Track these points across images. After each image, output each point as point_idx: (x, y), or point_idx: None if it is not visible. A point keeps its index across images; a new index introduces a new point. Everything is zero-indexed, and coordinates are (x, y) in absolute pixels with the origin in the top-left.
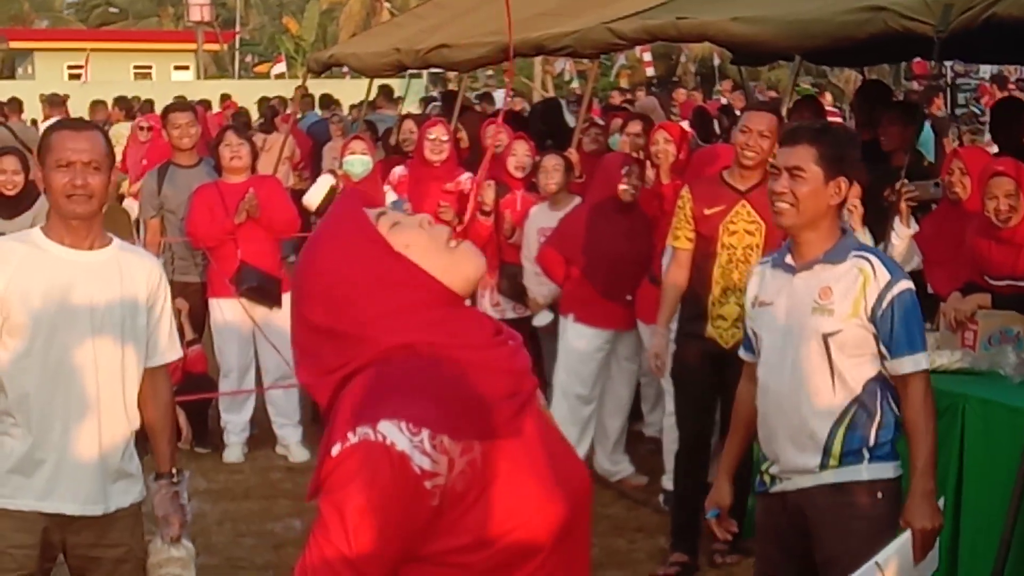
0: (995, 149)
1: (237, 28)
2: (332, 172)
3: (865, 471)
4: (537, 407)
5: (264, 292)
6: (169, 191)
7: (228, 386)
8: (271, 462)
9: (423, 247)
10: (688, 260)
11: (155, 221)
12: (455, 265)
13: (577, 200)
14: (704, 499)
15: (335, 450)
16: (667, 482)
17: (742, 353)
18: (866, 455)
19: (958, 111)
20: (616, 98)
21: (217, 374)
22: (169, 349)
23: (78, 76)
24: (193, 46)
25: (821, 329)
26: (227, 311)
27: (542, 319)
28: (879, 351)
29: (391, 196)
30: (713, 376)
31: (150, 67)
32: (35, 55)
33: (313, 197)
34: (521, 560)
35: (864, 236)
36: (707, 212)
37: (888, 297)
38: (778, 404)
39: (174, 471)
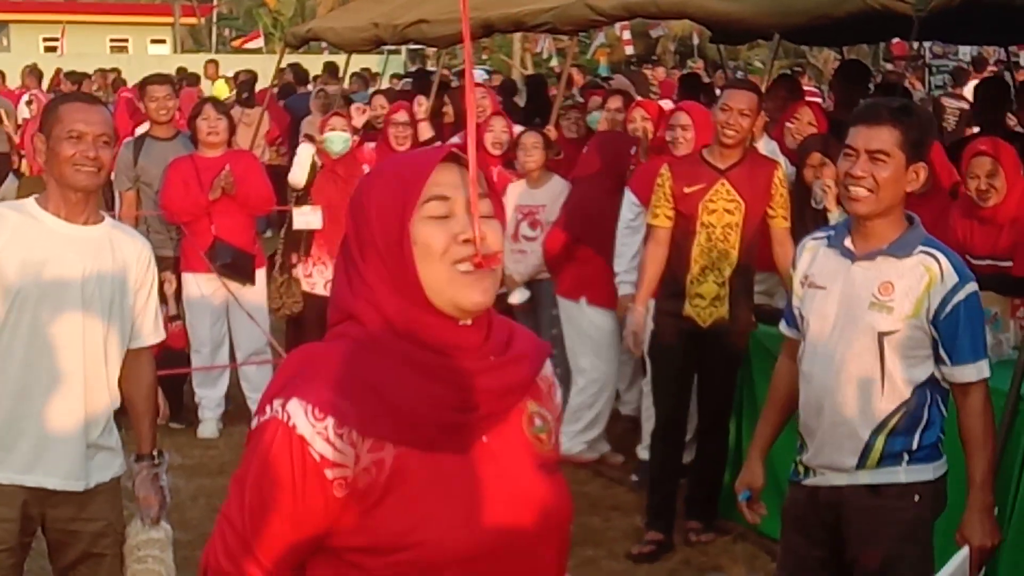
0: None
1: (214, 2)
2: (309, 138)
3: (903, 473)
4: (518, 430)
5: (237, 268)
6: (145, 163)
7: (200, 361)
8: (245, 438)
9: (432, 254)
10: (667, 238)
11: (131, 193)
12: (449, 287)
13: (556, 178)
14: (678, 478)
15: (254, 422)
16: (643, 452)
17: (784, 328)
18: (906, 457)
19: (936, 92)
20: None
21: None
22: (154, 332)
23: (54, 49)
24: (170, 20)
25: (877, 327)
26: (201, 285)
27: (518, 296)
28: (937, 355)
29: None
30: (690, 355)
31: (127, 40)
32: (10, 27)
33: (298, 176)
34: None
35: (839, 216)
36: (687, 190)
37: (954, 300)
38: (820, 397)
39: (155, 453)
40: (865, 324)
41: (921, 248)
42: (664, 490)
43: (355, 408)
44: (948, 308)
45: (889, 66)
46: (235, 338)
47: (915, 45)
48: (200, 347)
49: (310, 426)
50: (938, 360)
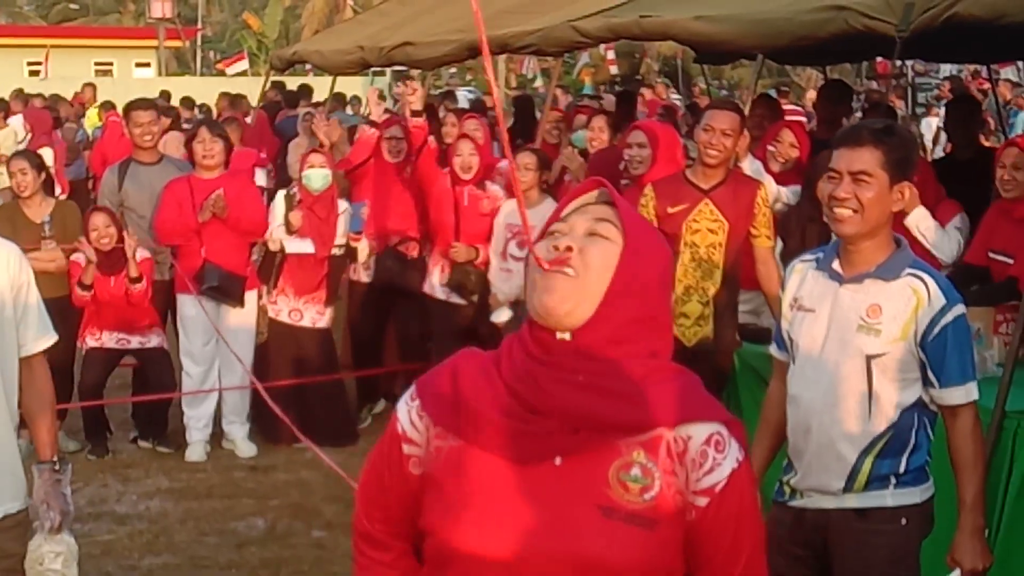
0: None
1: (199, 25)
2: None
3: (890, 497)
4: (602, 468)
5: (225, 291)
6: (130, 188)
7: (191, 380)
8: (233, 461)
9: (531, 263)
10: None
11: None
12: (532, 288)
13: (548, 200)
14: None
15: None
16: None
17: (774, 351)
18: (893, 481)
19: (918, 110)
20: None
21: (179, 372)
22: (40, 336)
23: (38, 73)
24: (154, 43)
25: (865, 350)
26: (194, 306)
27: (500, 316)
28: (925, 377)
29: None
30: None
31: (111, 64)
32: None
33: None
34: (438, 568)
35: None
36: (670, 210)
37: (942, 323)
38: (808, 419)
39: (55, 459)
40: (853, 347)
41: (909, 271)
42: None
43: (438, 397)
44: (936, 330)
45: (872, 84)
46: (221, 360)
47: (898, 64)
48: (191, 367)
49: (404, 405)
50: (926, 383)
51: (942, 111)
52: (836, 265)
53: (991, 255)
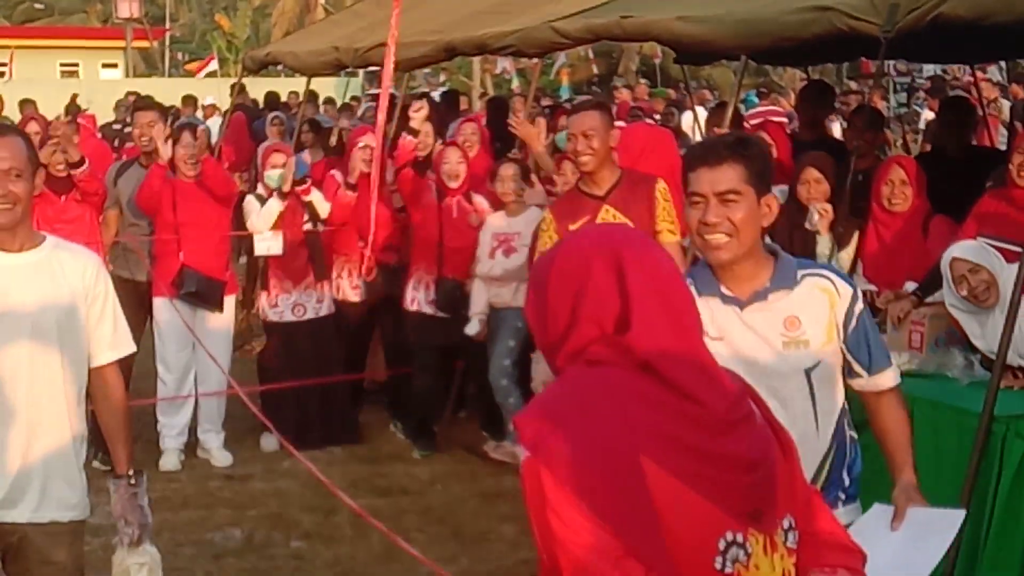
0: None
1: (167, 25)
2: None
3: (843, 516)
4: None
5: (204, 296)
6: (123, 186)
7: (165, 388)
8: (209, 470)
9: None
10: None
11: (112, 212)
12: None
13: (532, 208)
14: None
15: None
16: None
17: None
18: (841, 497)
19: (900, 110)
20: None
21: (153, 378)
22: (115, 346)
23: (2, 75)
24: (122, 43)
25: (802, 365)
26: (170, 311)
27: (473, 328)
28: (851, 370)
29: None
30: None
31: (77, 64)
32: None
33: (263, 223)
34: None
35: (829, 243)
36: (571, 227)
37: (856, 311)
38: None
39: (131, 472)
40: (788, 366)
41: (804, 272)
42: None
43: None
44: (854, 321)
45: (853, 84)
46: (197, 367)
47: (879, 64)
48: (165, 373)
49: None
50: (851, 374)
51: (928, 112)
52: (725, 290)
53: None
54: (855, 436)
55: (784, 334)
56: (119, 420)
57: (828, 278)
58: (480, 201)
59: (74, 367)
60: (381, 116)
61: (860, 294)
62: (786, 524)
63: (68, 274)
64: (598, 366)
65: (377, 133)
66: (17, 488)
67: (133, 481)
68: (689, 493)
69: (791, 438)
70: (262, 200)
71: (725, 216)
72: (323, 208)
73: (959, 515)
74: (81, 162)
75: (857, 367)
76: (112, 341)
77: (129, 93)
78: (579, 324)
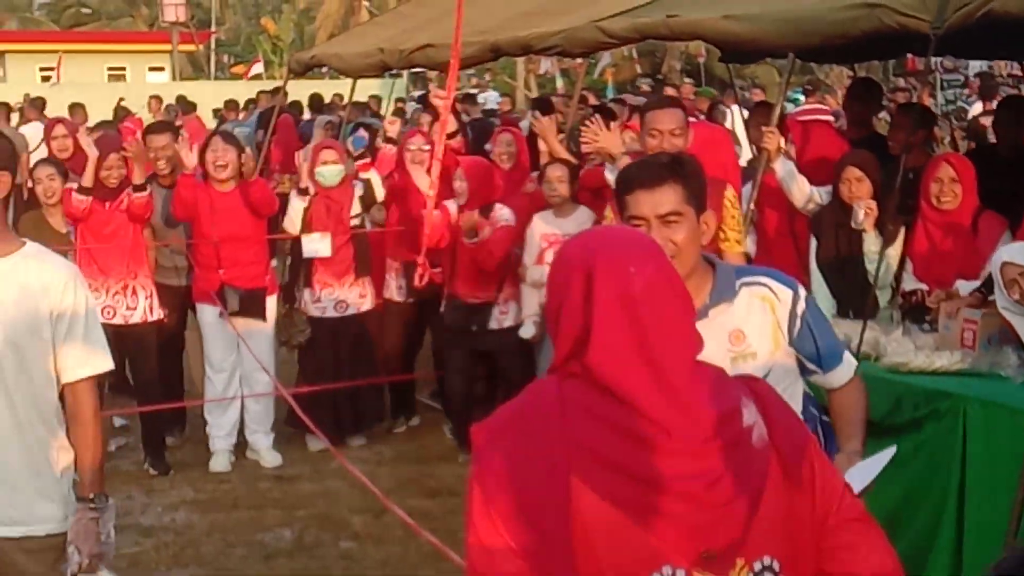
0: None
1: (213, 28)
2: (303, 192)
3: None
4: None
5: (247, 309)
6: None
7: (212, 388)
8: (258, 471)
9: None
10: None
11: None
12: None
13: (582, 208)
14: None
15: None
16: None
17: None
18: None
19: (948, 107)
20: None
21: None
22: (84, 363)
23: (50, 78)
24: (168, 47)
25: None
26: (213, 314)
27: (527, 331)
28: (804, 368)
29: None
30: None
31: (124, 68)
32: (7, 57)
33: (292, 225)
34: None
35: (875, 238)
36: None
37: (799, 313)
38: None
39: (93, 496)
40: None
41: (742, 281)
42: None
43: None
44: (798, 324)
45: (900, 81)
46: (243, 369)
47: (926, 60)
48: (213, 374)
49: None
50: (806, 372)
51: (978, 106)
52: None
53: None
54: (826, 419)
55: (731, 349)
56: (86, 440)
57: (765, 284)
58: (504, 214)
59: (41, 380)
60: (444, 116)
61: (802, 294)
62: (759, 566)
63: (34, 285)
64: (568, 380)
65: (439, 138)
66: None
67: (94, 505)
68: (624, 521)
69: (818, 469)
70: (307, 198)
71: (668, 238)
72: (379, 190)
73: (890, 451)
74: (144, 187)
75: (810, 365)
76: (80, 358)
77: (179, 97)
78: (558, 339)
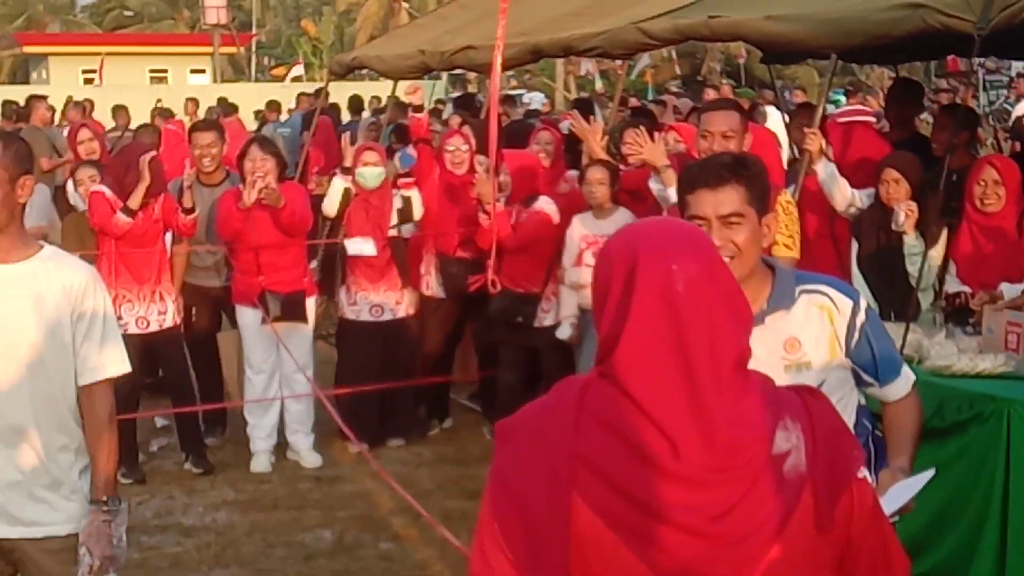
0: None
1: (254, 31)
2: (344, 170)
3: None
4: None
5: (288, 313)
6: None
7: (253, 388)
8: (299, 472)
9: None
10: None
11: (182, 246)
12: None
13: (622, 210)
14: None
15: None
16: None
17: None
18: None
19: (991, 108)
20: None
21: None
22: (102, 366)
23: (92, 80)
24: (209, 49)
25: None
26: (252, 315)
27: (564, 332)
28: (861, 380)
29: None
30: None
31: (166, 70)
32: (49, 59)
33: (331, 206)
34: None
35: (916, 240)
36: None
37: (858, 324)
38: None
39: (106, 499)
40: None
41: (801, 289)
42: None
43: None
44: (856, 335)
45: (943, 82)
46: (283, 370)
47: (969, 61)
48: (252, 375)
49: None
50: (862, 384)
51: (1021, 107)
52: None
53: None
54: (880, 434)
55: (785, 357)
56: (100, 443)
57: (825, 294)
58: (545, 205)
59: (60, 381)
60: (494, 119)
61: (863, 305)
62: None
63: (55, 288)
64: (598, 381)
65: (490, 142)
66: (5, 504)
67: (107, 508)
68: (617, 543)
69: (857, 513)
70: (348, 196)
71: (728, 239)
72: (418, 209)
73: (928, 474)
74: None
75: (866, 377)
76: (97, 361)
77: (220, 99)
78: (599, 335)
